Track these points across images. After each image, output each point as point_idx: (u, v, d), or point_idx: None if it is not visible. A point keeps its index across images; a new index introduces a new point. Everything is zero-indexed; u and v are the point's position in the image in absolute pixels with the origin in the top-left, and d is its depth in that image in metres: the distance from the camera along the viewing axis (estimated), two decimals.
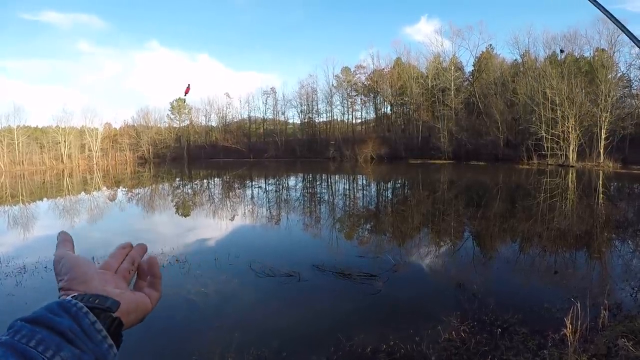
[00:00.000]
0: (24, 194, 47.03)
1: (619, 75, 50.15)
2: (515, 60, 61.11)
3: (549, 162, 46.00)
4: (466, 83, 65.46)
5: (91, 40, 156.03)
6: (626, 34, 2.77)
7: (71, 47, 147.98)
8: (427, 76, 65.90)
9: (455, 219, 21.81)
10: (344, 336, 9.06)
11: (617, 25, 2.92)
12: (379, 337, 9.15)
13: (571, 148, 45.69)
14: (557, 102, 46.80)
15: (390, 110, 74.72)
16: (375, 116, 79.23)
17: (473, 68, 65.58)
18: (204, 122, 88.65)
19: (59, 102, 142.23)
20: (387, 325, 9.75)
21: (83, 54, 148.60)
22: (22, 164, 75.69)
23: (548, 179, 33.42)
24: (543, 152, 47.34)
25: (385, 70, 73.09)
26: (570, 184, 32.76)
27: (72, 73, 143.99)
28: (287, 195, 37.72)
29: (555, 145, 46.71)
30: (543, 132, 46.94)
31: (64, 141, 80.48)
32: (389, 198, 33.90)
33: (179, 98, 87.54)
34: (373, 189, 40.11)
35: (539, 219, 20.64)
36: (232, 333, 9.84)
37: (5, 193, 47.67)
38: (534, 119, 49.12)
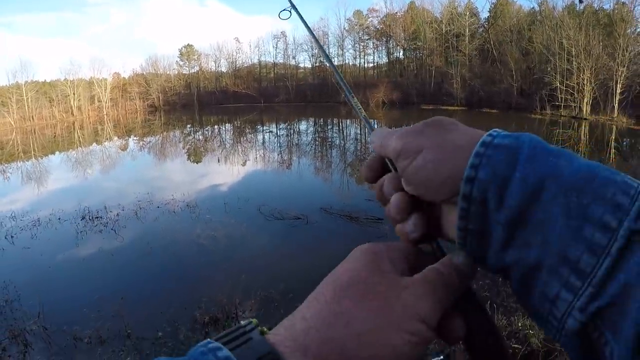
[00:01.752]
0: (36, 149, 47.21)
1: (638, 30, 48.91)
2: (533, 8, 59.51)
3: (562, 114, 45.04)
4: (481, 29, 64.17)
5: None
6: None
7: None
8: (441, 21, 64.54)
9: None
10: None
11: None
12: None
13: (585, 100, 44.64)
14: (574, 53, 45.64)
15: (403, 55, 73.57)
16: (387, 61, 78.14)
17: (489, 14, 64.16)
18: (213, 68, 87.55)
19: (66, 54, 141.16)
20: None
21: (89, 5, 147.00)
22: (32, 119, 75.37)
23: (560, 131, 32.97)
24: (556, 103, 46.28)
25: (399, 14, 71.86)
26: (582, 136, 32.25)
27: (78, 25, 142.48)
28: (297, 139, 37.71)
29: (569, 97, 45.67)
30: (558, 82, 45.83)
31: (73, 93, 79.82)
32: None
33: (188, 44, 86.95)
34: None
35: None
36: (240, 275, 10.15)
37: (17, 149, 47.84)
38: (549, 68, 47.99)
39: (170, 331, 8.34)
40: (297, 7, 2.22)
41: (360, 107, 0.87)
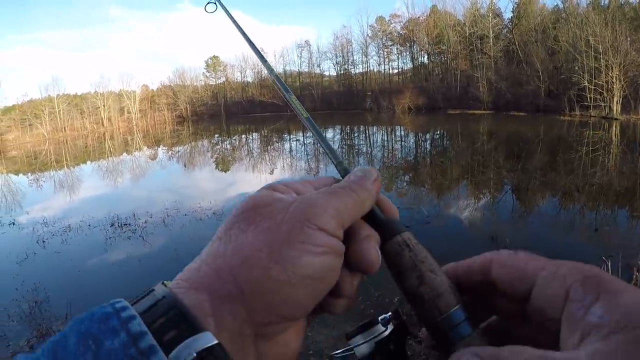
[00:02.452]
0: (68, 158, 48.11)
1: None
2: (556, 5, 58.38)
3: (592, 114, 43.78)
4: (505, 30, 63.14)
5: (123, 5, 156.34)
6: None
7: (103, 14, 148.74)
8: (465, 23, 63.70)
9: (494, 172, 21.41)
10: (373, 286, 9.18)
11: None
12: None
13: (615, 100, 43.18)
14: (601, 51, 44.47)
15: (428, 59, 72.93)
16: (412, 66, 77.61)
17: (512, 14, 63.23)
18: (239, 78, 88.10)
19: (95, 68, 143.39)
20: None
21: (115, 20, 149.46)
22: (64, 130, 77.09)
23: (590, 132, 32.14)
24: (585, 103, 44.93)
25: (421, 18, 71.37)
26: (613, 137, 31.29)
27: (105, 40, 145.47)
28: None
29: (598, 97, 44.34)
30: (586, 81, 44.50)
31: (103, 105, 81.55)
32: (427, 149, 33.49)
33: (214, 56, 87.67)
34: (411, 140, 39.67)
35: (580, 173, 19.99)
36: None
37: (50, 159, 48.82)
38: (576, 68, 46.69)
39: None
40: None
41: (300, 107, 0.86)
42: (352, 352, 0.79)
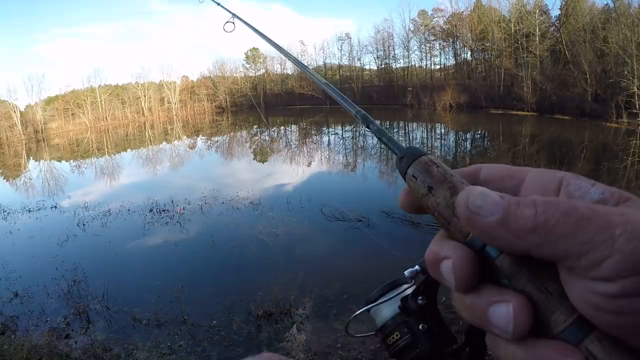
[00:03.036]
0: (109, 146, 49.14)
1: None
2: (607, 4, 56.21)
3: None
4: (552, 28, 61.00)
5: None
6: None
7: (145, 7, 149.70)
8: (510, 20, 62.06)
9: None
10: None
11: None
12: (440, 287, 9.20)
13: None
14: None
15: (471, 56, 71.68)
16: (454, 62, 76.33)
17: (560, 12, 61.41)
18: (279, 70, 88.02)
19: (136, 59, 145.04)
20: None
21: (155, 13, 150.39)
22: (106, 119, 78.69)
23: (638, 142, 30.80)
24: (634, 111, 42.50)
25: (465, 13, 69.85)
26: None
27: (146, 32, 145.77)
28: (363, 142, 37.46)
29: None
30: (635, 87, 42.22)
31: (144, 96, 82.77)
32: (467, 149, 33.19)
33: (254, 48, 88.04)
34: (451, 139, 39.25)
35: (624, 184, 19.22)
36: (297, 273, 10.21)
37: (92, 147, 49.92)
38: (625, 72, 44.42)
39: (224, 321, 8.60)
40: (240, 16, 2.33)
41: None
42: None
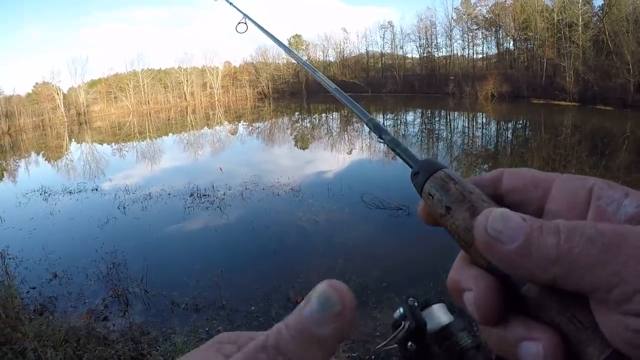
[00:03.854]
0: (151, 130, 49.79)
1: None
2: None
3: None
4: (595, 18, 60.07)
5: None
6: None
7: None
8: (553, 9, 60.97)
9: (576, 167, 20.47)
10: (444, 272, 8.77)
11: None
12: None
13: None
14: None
15: (513, 45, 70.70)
16: (497, 52, 75.27)
17: (602, 2, 60.27)
18: (321, 58, 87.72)
19: (179, 44, 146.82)
20: None
21: None
22: (148, 103, 80.00)
23: None
24: None
25: (508, 2, 68.86)
26: None
27: (191, 17, 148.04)
28: (404, 130, 37.18)
29: None
30: None
31: (186, 80, 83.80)
32: (508, 139, 32.64)
33: (296, 35, 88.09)
34: (493, 129, 38.66)
35: None
36: (337, 260, 10.19)
37: (134, 130, 50.67)
38: None
39: (263, 307, 8.51)
40: (251, 17, 2.22)
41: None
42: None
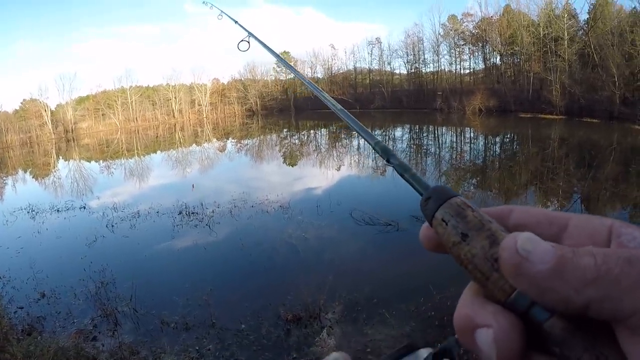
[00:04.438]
0: (139, 147, 49.82)
1: None
2: (634, 8, 55.31)
3: None
4: (580, 32, 60.60)
5: (196, 0, 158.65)
6: None
7: (178, 9, 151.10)
8: (539, 24, 61.69)
9: (564, 179, 20.60)
10: (435, 288, 9.05)
11: None
12: None
13: None
14: None
15: (500, 60, 71.19)
16: (484, 66, 75.81)
17: (588, 16, 60.87)
18: (309, 74, 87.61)
19: (167, 61, 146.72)
20: None
21: (189, 15, 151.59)
22: (136, 120, 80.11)
23: None
24: None
25: (494, 17, 69.40)
26: None
27: (179, 34, 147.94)
28: (392, 146, 37.22)
29: None
30: None
31: (175, 97, 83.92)
32: (496, 153, 32.79)
33: (284, 51, 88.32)
34: (480, 143, 38.88)
35: None
36: (327, 277, 10.07)
37: (122, 147, 50.60)
38: None
39: (253, 325, 8.49)
40: (255, 34, 2.25)
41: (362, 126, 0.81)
42: None
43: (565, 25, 57.81)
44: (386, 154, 0.70)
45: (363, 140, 0.80)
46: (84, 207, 19.42)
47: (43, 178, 33.77)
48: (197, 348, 7.84)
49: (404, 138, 44.01)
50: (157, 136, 62.56)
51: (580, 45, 57.06)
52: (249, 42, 1.96)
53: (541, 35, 60.71)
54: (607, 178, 20.34)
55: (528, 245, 0.40)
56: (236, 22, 2.58)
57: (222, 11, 3.16)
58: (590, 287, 0.36)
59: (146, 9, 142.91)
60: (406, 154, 32.66)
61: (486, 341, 0.41)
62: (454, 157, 30.74)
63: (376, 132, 46.76)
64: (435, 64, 77.57)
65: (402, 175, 0.63)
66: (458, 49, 76.18)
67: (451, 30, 75.43)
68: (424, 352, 0.59)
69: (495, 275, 0.43)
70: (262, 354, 7.64)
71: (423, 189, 0.56)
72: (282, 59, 1.53)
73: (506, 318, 0.41)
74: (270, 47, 1.53)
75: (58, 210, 19.07)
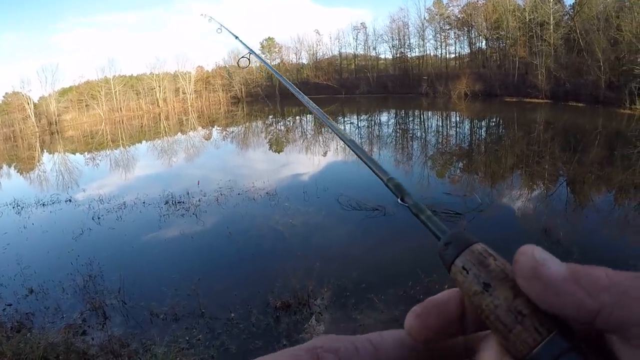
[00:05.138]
0: (124, 138, 49.41)
1: None
2: None
3: None
4: (566, 17, 60.69)
5: (189, 7, 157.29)
6: None
7: None
8: (525, 9, 61.66)
9: (550, 163, 20.70)
10: (423, 272, 9.10)
11: None
12: None
13: None
14: None
15: (485, 45, 71.20)
16: (469, 51, 75.76)
17: (573, 1, 61.00)
18: (294, 60, 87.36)
19: (151, 49, 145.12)
20: None
21: (172, 2, 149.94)
22: (120, 110, 79.11)
23: None
24: None
25: (480, 2, 69.13)
26: None
27: (163, 21, 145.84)
28: (378, 131, 37.46)
29: None
30: None
31: (159, 86, 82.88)
32: (482, 137, 32.94)
33: (269, 37, 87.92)
34: (466, 127, 38.95)
35: (638, 169, 18.87)
36: (314, 263, 10.13)
37: (107, 138, 50.17)
38: (639, 59, 44.57)
39: (242, 313, 8.54)
40: (254, 50, 2.26)
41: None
42: None
43: (551, 10, 57.84)
44: (400, 192, 0.67)
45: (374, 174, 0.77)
46: (70, 200, 19.29)
47: (28, 172, 33.46)
48: (187, 338, 7.87)
49: (390, 123, 44.00)
50: (141, 126, 62.15)
51: (565, 30, 57.09)
52: (249, 59, 1.98)
53: (527, 20, 60.75)
54: (593, 161, 20.46)
55: (544, 254, 0.41)
56: (237, 37, 2.66)
57: (221, 25, 3.18)
58: (604, 293, 0.37)
59: None
60: (392, 138, 32.72)
61: None
62: (440, 141, 30.81)
63: (362, 117, 47.10)
64: (421, 49, 77.28)
65: (417, 216, 0.60)
66: (443, 34, 76.00)
67: (437, 14, 75.22)
68: None
69: (519, 328, 0.42)
70: (252, 342, 7.68)
71: (440, 233, 0.53)
72: (282, 77, 1.58)
73: None
74: (268, 63, 1.56)
75: (44, 205, 18.92)
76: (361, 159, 0.87)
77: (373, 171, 0.79)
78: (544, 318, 0.41)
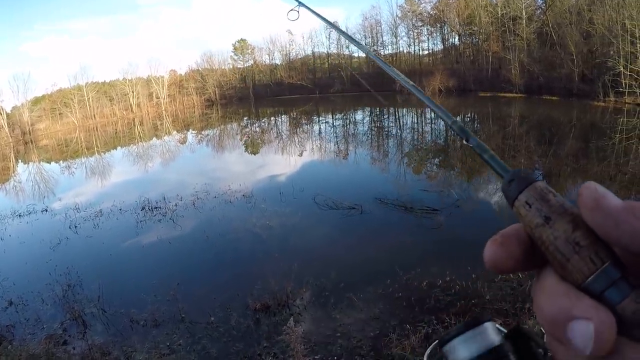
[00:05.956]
0: (98, 145, 49.02)
1: None
2: None
3: (627, 101, 40.87)
4: (539, 11, 60.96)
5: None
6: None
7: (130, 1, 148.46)
8: (497, 4, 62.04)
9: (525, 156, 20.96)
10: (402, 269, 9.23)
11: None
12: (436, 272, 9.28)
13: None
14: (637, 35, 42.42)
15: (458, 40, 71.44)
16: (442, 47, 76.11)
17: None
18: (267, 61, 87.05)
19: (123, 55, 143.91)
20: (444, 261, 9.78)
21: (141, 6, 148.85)
22: (94, 117, 78.43)
23: (625, 119, 30.25)
24: (620, 89, 41.81)
25: None
26: None
27: (133, 26, 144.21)
28: (354, 129, 37.68)
29: (634, 82, 41.67)
30: (621, 67, 41.75)
31: (132, 92, 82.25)
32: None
33: (241, 39, 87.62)
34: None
35: (613, 161, 19.05)
36: (292, 264, 10.13)
37: (81, 146, 49.74)
38: (611, 52, 44.04)
39: (222, 316, 8.61)
40: (305, 3, 2.29)
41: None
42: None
43: (523, 5, 58.25)
44: (464, 134, 0.73)
45: (438, 118, 0.82)
46: (46, 210, 19.16)
47: (3, 183, 33.06)
48: (168, 344, 7.92)
49: (365, 121, 44.20)
50: (116, 132, 61.71)
51: (538, 25, 57.52)
52: (298, 12, 2.02)
53: (499, 15, 61.11)
54: (568, 154, 20.74)
55: (604, 189, 0.43)
56: None
57: None
58: None
59: (98, 2, 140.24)
60: (367, 136, 32.86)
61: (584, 334, 0.40)
62: (416, 137, 31.04)
63: (337, 116, 47.15)
64: (394, 46, 77.77)
65: (480, 156, 0.66)
66: (416, 31, 76.31)
67: (409, 11, 75.44)
68: (489, 325, 0.58)
69: (576, 258, 0.44)
70: (233, 345, 7.75)
71: (503, 171, 0.57)
72: (337, 27, 1.58)
73: (607, 313, 0.40)
74: (320, 14, 1.57)
75: (20, 215, 18.75)
76: (427, 103, 0.92)
77: (438, 115, 0.84)
78: (599, 249, 0.43)
